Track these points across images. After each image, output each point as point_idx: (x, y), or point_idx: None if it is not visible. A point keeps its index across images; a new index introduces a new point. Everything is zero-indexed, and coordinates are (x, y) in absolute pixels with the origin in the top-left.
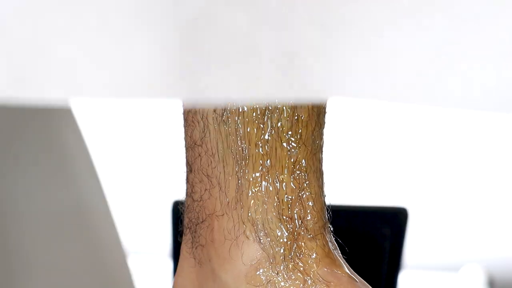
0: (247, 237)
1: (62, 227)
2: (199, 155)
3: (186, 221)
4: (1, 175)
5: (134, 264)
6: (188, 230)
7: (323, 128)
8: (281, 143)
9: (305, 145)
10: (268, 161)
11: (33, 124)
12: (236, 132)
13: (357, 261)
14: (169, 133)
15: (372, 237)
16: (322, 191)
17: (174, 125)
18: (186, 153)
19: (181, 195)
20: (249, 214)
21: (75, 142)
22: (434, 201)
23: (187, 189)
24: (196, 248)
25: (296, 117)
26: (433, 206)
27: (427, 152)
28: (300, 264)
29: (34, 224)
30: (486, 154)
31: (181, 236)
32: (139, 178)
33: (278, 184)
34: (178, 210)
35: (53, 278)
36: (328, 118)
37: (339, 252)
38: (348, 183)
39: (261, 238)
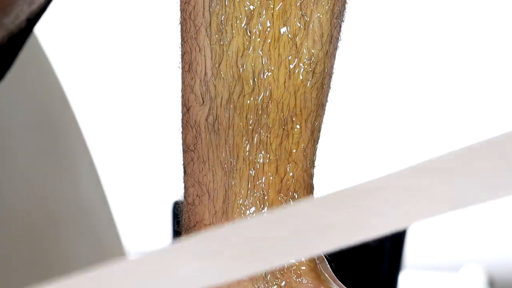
0: None
1: (63, 227)
2: (192, 160)
3: (182, 222)
4: (1, 175)
5: None
6: (184, 232)
7: (317, 143)
8: (269, 159)
9: (295, 162)
10: (255, 176)
11: (34, 125)
12: (225, 143)
13: (357, 261)
14: (169, 133)
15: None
16: None
17: (174, 125)
18: (182, 155)
19: (181, 195)
20: None
21: (76, 143)
22: None
23: (183, 191)
24: None
25: (286, 134)
26: None
27: (426, 151)
28: (283, 279)
29: (34, 224)
30: None
31: (179, 237)
32: (139, 178)
33: (264, 200)
34: (178, 210)
35: (52, 278)
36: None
37: (327, 265)
38: (347, 183)
39: None
